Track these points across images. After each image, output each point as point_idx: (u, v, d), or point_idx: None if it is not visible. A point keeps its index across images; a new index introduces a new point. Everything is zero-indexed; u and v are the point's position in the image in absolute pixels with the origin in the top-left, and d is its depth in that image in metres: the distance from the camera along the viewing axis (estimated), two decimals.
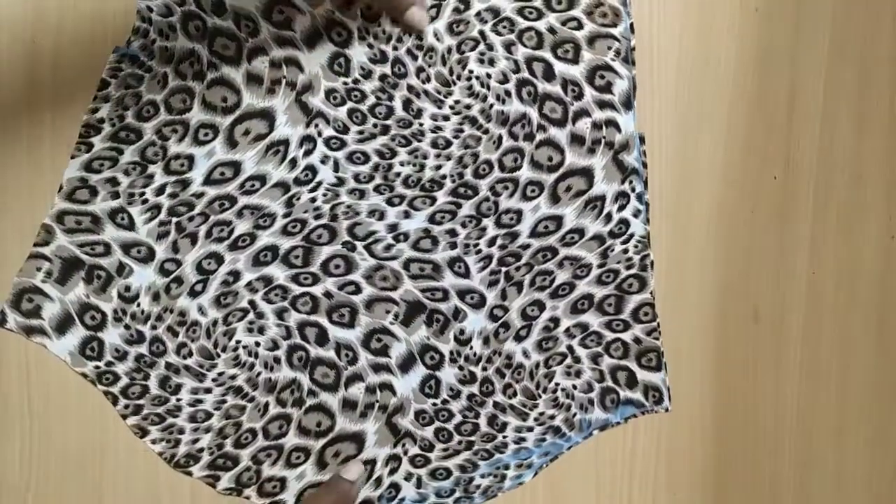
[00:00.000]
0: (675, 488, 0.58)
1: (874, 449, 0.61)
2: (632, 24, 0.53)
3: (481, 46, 0.52)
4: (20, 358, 0.50)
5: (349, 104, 0.51)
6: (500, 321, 0.54)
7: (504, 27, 0.52)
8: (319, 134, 0.51)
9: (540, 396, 0.55)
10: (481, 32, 0.52)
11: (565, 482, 0.57)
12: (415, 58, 0.52)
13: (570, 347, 0.55)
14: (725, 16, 0.56)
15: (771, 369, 0.59)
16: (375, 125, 0.52)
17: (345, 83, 0.51)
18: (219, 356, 0.51)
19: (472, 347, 0.54)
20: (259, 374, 0.52)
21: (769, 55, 0.57)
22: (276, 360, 0.52)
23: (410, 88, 0.52)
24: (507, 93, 0.53)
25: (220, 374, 0.51)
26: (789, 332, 0.59)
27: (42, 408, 0.51)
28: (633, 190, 0.55)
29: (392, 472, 0.54)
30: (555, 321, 0.55)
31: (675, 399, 0.58)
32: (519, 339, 0.55)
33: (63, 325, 0.49)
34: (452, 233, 0.53)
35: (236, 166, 0.50)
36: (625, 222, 0.55)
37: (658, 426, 0.58)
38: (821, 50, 0.58)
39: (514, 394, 0.55)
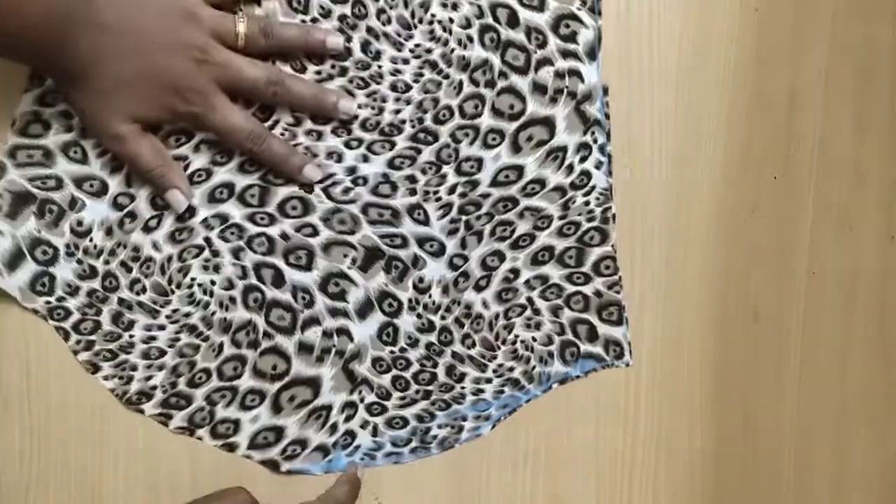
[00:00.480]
0: (675, 488, 0.58)
1: (874, 449, 0.61)
2: None
3: None
4: (20, 357, 0.50)
5: None
6: (459, 270, 0.54)
7: None
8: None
9: (499, 348, 0.55)
10: None
11: (565, 482, 0.57)
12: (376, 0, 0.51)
13: (529, 299, 0.55)
14: (725, 16, 0.56)
15: (771, 369, 0.59)
16: (333, 66, 0.51)
17: (303, 21, 0.50)
18: (173, 293, 0.51)
19: (430, 296, 0.54)
20: (214, 313, 0.51)
21: (769, 55, 0.57)
22: (232, 299, 0.51)
23: (369, 30, 0.51)
24: (470, 38, 0.52)
25: (175, 311, 0.51)
26: (789, 332, 0.59)
27: (42, 408, 0.50)
28: (595, 141, 0.54)
29: (348, 419, 0.53)
30: (515, 272, 0.55)
31: (675, 399, 0.58)
32: (479, 288, 0.54)
33: (14, 261, 0.49)
34: (412, 179, 0.53)
35: None
36: (587, 174, 0.55)
37: (658, 426, 0.58)
38: (821, 50, 0.58)
39: (473, 344, 0.54)
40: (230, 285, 0.51)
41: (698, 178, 0.57)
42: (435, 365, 0.54)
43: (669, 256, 0.57)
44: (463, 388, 0.54)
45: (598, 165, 0.55)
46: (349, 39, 0.51)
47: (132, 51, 0.44)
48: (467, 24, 0.52)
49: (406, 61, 0.52)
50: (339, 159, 0.52)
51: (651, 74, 0.56)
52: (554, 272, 0.55)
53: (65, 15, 0.43)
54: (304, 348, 0.52)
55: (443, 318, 0.54)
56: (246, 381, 0.52)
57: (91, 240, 0.49)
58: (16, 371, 0.50)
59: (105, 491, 0.52)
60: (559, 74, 0.54)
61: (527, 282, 0.55)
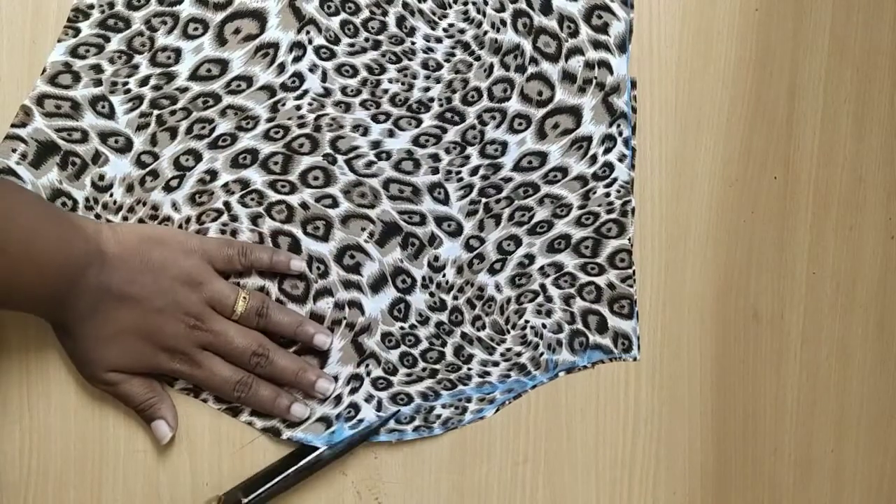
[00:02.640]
0: (675, 488, 0.58)
1: (874, 449, 0.62)
2: None
3: None
4: (20, 357, 0.50)
5: (343, 15, 0.51)
6: (475, 252, 0.54)
7: None
8: (310, 41, 0.51)
9: (508, 332, 0.55)
10: None
11: (565, 482, 0.57)
12: None
13: (542, 286, 0.55)
14: (725, 16, 0.56)
15: (771, 369, 0.59)
16: (367, 39, 0.51)
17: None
18: None
19: (444, 275, 0.54)
20: (229, 277, 0.51)
21: (769, 55, 0.57)
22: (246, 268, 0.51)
23: (405, 6, 0.51)
24: (503, 22, 0.52)
25: None
26: (789, 332, 0.59)
27: (42, 408, 0.50)
28: (620, 134, 0.54)
29: (353, 391, 0.53)
30: (530, 258, 0.55)
31: (674, 399, 0.58)
32: (493, 272, 0.54)
33: None
34: (435, 157, 0.53)
35: (224, 64, 0.50)
36: (609, 165, 0.55)
37: (658, 426, 0.58)
38: (821, 50, 0.58)
39: (483, 326, 0.55)
40: None
41: (698, 178, 0.57)
42: (444, 344, 0.54)
43: (669, 256, 0.57)
44: (470, 369, 0.54)
45: (622, 158, 0.55)
46: (385, 14, 0.51)
47: (128, 310, 0.46)
48: (501, 8, 0.52)
49: (439, 40, 0.52)
50: (365, 132, 0.52)
51: (651, 74, 0.56)
52: (569, 261, 0.55)
53: (75, 273, 0.44)
54: (315, 318, 0.52)
55: (455, 298, 0.54)
56: None
57: (111, 195, 0.49)
58: (16, 371, 0.50)
59: (105, 491, 0.51)
60: (589, 65, 0.54)
61: (541, 268, 0.55)
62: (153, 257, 0.47)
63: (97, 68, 0.49)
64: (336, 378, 0.53)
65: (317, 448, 0.52)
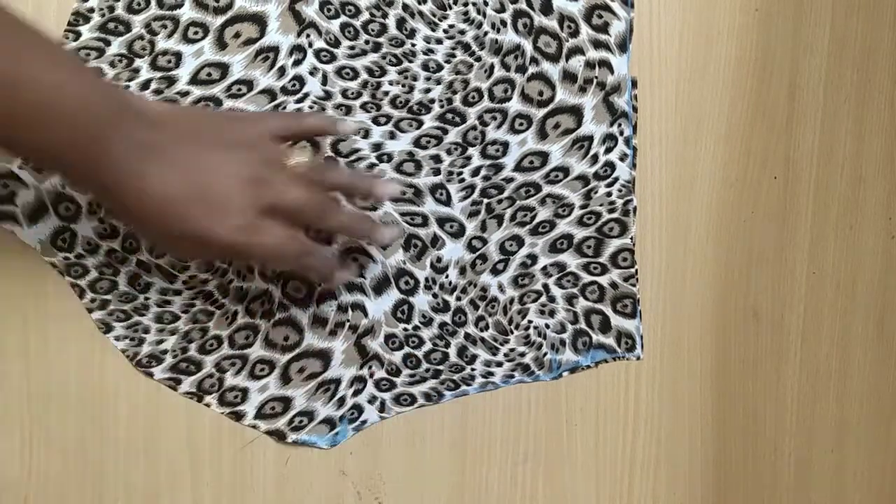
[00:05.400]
0: (675, 488, 0.58)
1: (874, 449, 0.62)
2: None
3: None
4: (20, 357, 0.50)
5: (343, 18, 0.51)
6: (477, 252, 0.54)
7: None
8: (310, 45, 0.51)
9: (512, 332, 0.55)
10: None
11: (565, 481, 0.57)
12: None
13: (545, 286, 0.55)
14: (725, 16, 0.56)
15: (771, 369, 0.60)
16: (367, 42, 0.51)
17: None
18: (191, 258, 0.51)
19: (447, 276, 0.54)
20: (231, 281, 0.51)
21: (769, 55, 0.57)
22: (249, 269, 0.51)
23: (405, 8, 0.51)
24: (503, 22, 0.52)
25: (192, 277, 0.51)
26: (789, 332, 0.60)
27: (42, 407, 0.50)
28: (621, 133, 0.55)
29: (356, 393, 0.53)
30: (532, 258, 0.55)
31: (674, 399, 0.58)
32: (495, 272, 0.54)
33: (35, 214, 0.49)
34: (437, 159, 0.53)
35: (224, 68, 0.50)
36: (611, 165, 0.55)
37: (658, 426, 0.58)
38: (821, 50, 0.58)
39: (486, 327, 0.54)
40: None
41: (698, 178, 0.57)
42: (447, 345, 0.54)
43: (669, 256, 0.57)
44: (473, 369, 0.54)
45: (623, 157, 0.55)
46: (385, 16, 0.51)
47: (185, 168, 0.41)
48: (501, 8, 0.52)
49: (439, 41, 0.52)
50: (366, 135, 0.51)
51: (651, 74, 0.56)
52: (571, 260, 0.55)
53: (103, 122, 0.38)
54: (318, 321, 0.52)
55: (458, 298, 0.54)
56: (257, 351, 0.52)
57: None
58: (16, 371, 0.50)
59: (105, 491, 0.51)
60: (590, 64, 0.54)
61: (544, 268, 0.55)
62: (201, 120, 0.44)
63: (98, 72, 0.48)
64: (339, 381, 0.53)
65: None
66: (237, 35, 0.50)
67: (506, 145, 0.53)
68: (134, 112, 0.40)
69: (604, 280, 0.56)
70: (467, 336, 0.54)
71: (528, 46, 0.53)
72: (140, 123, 0.40)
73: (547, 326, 0.55)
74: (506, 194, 0.54)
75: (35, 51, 0.37)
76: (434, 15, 0.52)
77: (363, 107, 0.51)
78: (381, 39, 0.51)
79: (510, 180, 0.54)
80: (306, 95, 0.51)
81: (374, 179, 0.48)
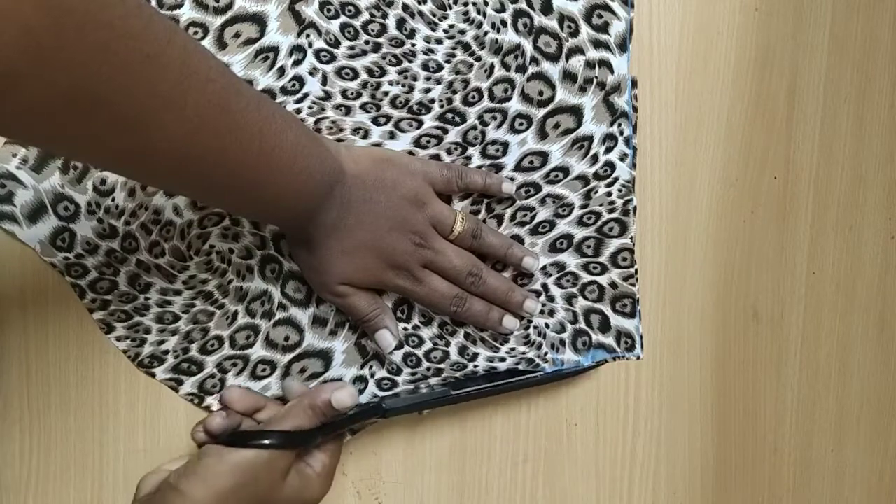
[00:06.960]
0: (675, 488, 0.59)
1: (874, 449, 0.62)
2: None
3: None
4: (20, 357, 0.50)
5: (342, 18, 0.51)
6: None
7: None
8: (310, 45, 0.50)
9: (512, 332, 0.55)
10: None
11: (565, 481, 0.57)
12: None
13: (545, 286, 0.55)
14: (725, 16, 0.56)
15: (771, 369, 0.60)
16: (367, 42, 0.51)
17: None
18: (191, 258, 0.50)
19: None
20: (231, 281, 0.51)
21: (769, 55, 0.57)
22: (249, 269, 0.51)
23: (405, 8, 0.51)
24: (503, 22, 0.52)
25: (192, 277, 0.51)
26: (789, 332, 0.60)
27: (42, 407, 0.50)
28: (621, 133, 0.54)
29: (358, 393, 0.53)
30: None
31: (674, 399, 0.58)
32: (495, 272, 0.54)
33: (34, 214, 0.48)
34: (437, 158, 0.53)
35: None
36: (611, 165, 0.55)
37: (658, 426, 0.58)
38: (821, 50, 0.58)
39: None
40: (248, 254, 0.51)
41: (698, 178, 0.57)
42: (447, 344, 0.54)
43: (669, 256, 0.57)
44: (476, 366, 0.54)
45: (623, 157, 0.55)
46: (385, 16, 0.51)
47: (366, 225, 0.47)
48: (501, 8, 0.52)
49: (439, 41, 0.52)
50: (366, 135, 0.51)
51: (651, 74, 0.56)
52: (571, 260, 0.55)
53: (327, 188, 0.45)
54: (318, 321, 0.52)
55: None
56: (258, 351, 0.52)
57: (113, 199, 0.49)
58: (16, 371, 0.50)
59: (105, 491, 0.51)
60: (590, 64, 0.53)
61: (543, 268, 0.55)
62: (385, 176, 0.48)
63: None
64: (340, 380, 0.53)
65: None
66: (237, 35, 0.49)
67: (506, 145, 0.53)
68: (339, 184, 0.46)
69: (603, 280, 0.56)
70: (467, 335, 0.54)
71: (528, 46, 0.53)
72: (334, 202, 0.46)
73: (547, 326, 0.55)
74: None
75: (293, 123, 0.43)
76: (434, 15, 0.52)
77: (363, 107, 0.51)
78: (380, 40, 0.51)
79: (510, 180, 0.53)
80: (306, 96, 0.51)
81: (518, 249, 0.53)
